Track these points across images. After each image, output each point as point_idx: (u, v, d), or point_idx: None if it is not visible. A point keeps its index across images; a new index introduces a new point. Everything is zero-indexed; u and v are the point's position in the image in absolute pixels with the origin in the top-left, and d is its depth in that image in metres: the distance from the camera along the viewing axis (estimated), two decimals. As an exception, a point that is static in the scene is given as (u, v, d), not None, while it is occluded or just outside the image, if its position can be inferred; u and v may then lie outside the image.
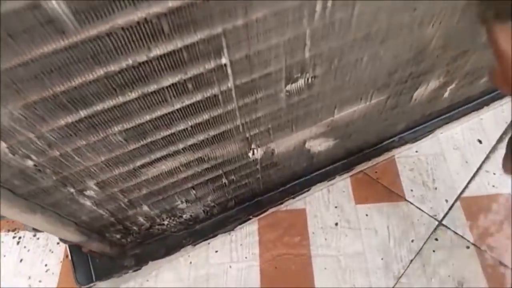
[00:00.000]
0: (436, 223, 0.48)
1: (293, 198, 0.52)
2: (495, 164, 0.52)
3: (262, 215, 0.52)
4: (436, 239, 0.47)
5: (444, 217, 0.48)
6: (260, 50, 0.26)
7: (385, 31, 0.30)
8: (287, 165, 0.47)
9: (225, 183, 0.44)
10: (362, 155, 0.52)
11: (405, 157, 0.54)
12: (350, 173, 0.53)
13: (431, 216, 0.49)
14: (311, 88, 0.33)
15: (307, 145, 0.44)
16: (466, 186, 0.51)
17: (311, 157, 0.48)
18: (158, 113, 0.27)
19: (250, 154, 0.40)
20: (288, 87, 0.31)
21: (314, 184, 0.52)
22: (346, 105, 0.39)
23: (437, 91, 0.46)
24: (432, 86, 0.44)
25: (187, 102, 0.28)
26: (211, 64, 0.25)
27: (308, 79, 0.32)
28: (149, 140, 0.30)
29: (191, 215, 0.48)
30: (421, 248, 0.46)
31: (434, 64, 0.39)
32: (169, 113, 0.28)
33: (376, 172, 0.54)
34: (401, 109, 0.46)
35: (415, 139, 0.54)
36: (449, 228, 0.47)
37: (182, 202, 0.44)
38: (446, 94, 0.48)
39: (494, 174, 0.52)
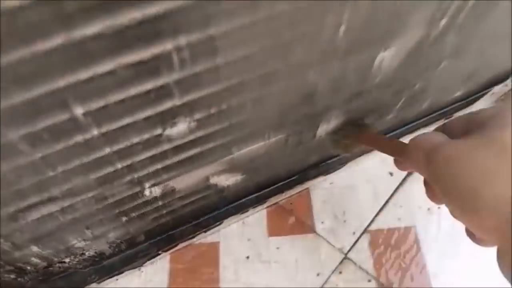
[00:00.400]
0: (342, 256, 0.49)
1: (205, 232, 0.51)
2: (403, 197, 0.54)
3: (174, 250, 0.50)
4: (340, 273, 0.48)
5: (349, 250, 0.49)
6: (120, 99, 0.25)
7: (261, 79, 0.31)
8: (195, 200, 0.46)
9: (125, 220, 0.42)
10: (275, 188, 0.53)
11: (320, 188, 0.56)
12: (264, 206, 0.53)
13: (337, 249, 0.50)
14: (196, 132, 0.33)
15: (212, 181, 0.44)
16: (373, 220, 0.52)
17: (221, 191, 0.47)
18: (13, 164, 0.26)
19: (146, 193, 0.39)
20: (168, 132, 0.31)
21: (228, 217, 0.51)
22: (243, 144, 0.39)
23: (347, 122, 0.47)
24: (334, 123, 0.45)
25: (49, 151, 0.27)
26: (65, 115, 0.24)
27: (189, 123, 0.31)
28: (12, 188, 0.29)
29: (95, 252, 0.46)
30: (325, 282, 0.47)
31: (328, 105, 0.40)
32: (29, 162, 0.27)
33: (291, 203, 0.54)
34: (307, 146, 0.47)
35: (328, 171, 0.55)
36: (353, 262, 0.48)
37: (78, 241, 0.42)
38: (353, 130, 0.50)
39: (401, 207, 0.54)
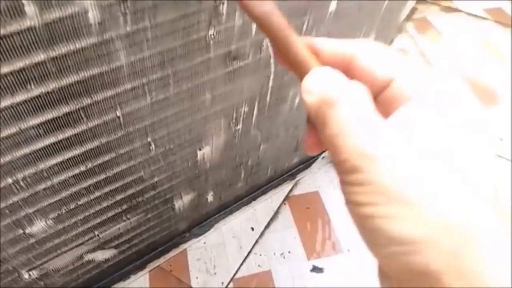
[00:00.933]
0: (209, 305, 0.60)
1: (92, 300, 0.60)
2: (261, 247, 0.68)
3: (65, 321, 0.58)
4: (206, 319, 0.58)
5: (215, 299, 0.61)
6: (-22, 219, 0.36)
7: (106, 180, 0.43)
8: (75, 277, 0.55)
9: (11, 301, 0.50)
10: (154, 254, 0.63)
11: (195, 248, 0.67)
12: (146, 270, 0.63)
13: (206, 299, 0.61)
14: (55, 226, 0.44)
15: (87, 258, 0.53)
16: (238, 269, 0.64)
17: (100, 265, 0.57)
18: None
19: (25, 276, 0.48)
20: (28, 230, 0.41)
21: (113, 285, 0.61)
22: (104, 227, 0.50)
23: (197, 199, 0.60)
24: (187, 198, 0.58)
25: None
26: None
27: (46, 221, 0.42)
28: None
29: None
30: (192, 330, 0.57)
31: (172, 188, 0.53)
32: None
33: (170, 265, 0.65)
34: (169, 218, 0.59)
35: (201, 233, 0.67)
36: (216, 309, 0.60)
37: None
38: (210, 199, 0.63)
39: (260, 255, 0.67)
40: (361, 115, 0.16)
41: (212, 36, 0.35)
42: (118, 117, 0.36)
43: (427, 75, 0.18)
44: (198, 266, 0.65)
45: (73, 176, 0.39)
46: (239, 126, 0.50)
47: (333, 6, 0.43)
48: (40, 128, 0.32)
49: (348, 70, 0.19)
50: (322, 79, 0.18)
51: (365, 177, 0.16)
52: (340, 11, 0.44)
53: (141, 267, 0.63)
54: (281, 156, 0.67)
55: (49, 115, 0.31)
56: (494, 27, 1.15)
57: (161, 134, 0.42)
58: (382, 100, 0.18)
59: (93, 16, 0.27)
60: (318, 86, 0.18)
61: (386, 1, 0.49)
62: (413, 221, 0.14)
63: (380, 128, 0.16)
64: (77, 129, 0.34)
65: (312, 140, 0.20)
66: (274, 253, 0.67)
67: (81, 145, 0.36)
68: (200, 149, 0.49)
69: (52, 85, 0.30)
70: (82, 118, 0.34)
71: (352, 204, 0.16)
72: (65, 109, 0.32)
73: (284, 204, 0.73)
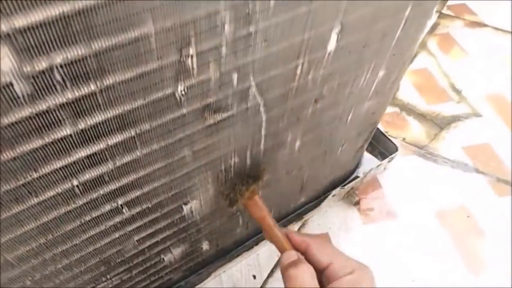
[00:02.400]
0: None
1: None
2: (264, 297, 0.61)
3: None
4: None
5: None
6: None
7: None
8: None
9: None
10: (145, 306, 0.58)
11: (191, 299, 0.61)
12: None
13: None
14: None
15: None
16: (236, 324, 0.58)
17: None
18: None
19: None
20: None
21: None
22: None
23: (190, 249, 0.55)
24: (178, 250, 0.52)
25: None
26: None
27: (9, 294, 0.37)
28: None
29: None
30: None
31: (155, 243, 0.48)
32: None
33: (164, 318, 0.59)
34: (158, 271, 0.53)
35: (198, 282, 0.61)
36: None
37: None
38: (205, 247, 0.57)
39: (262, 307, 0.60)
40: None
41: (183, 92, 0.30)
42: (76, 186, 0.31)
43: (350, 264, 0.35)
44: (193, 319, 0.59)
45: (36, 247, 0.34)
46: (230, 176, 0.45)
47: (332, 45, 0.37)
48: (-24, 209, 0.27)
49: (306, 252, 0.37)
50: (289, 256, 0.36)
51: None
52: (341, 50, 0.38)
53: None
54: (285, 198, 0.61)
55: (-14, 194, 0.27)
56: (524, 42, 1.05)
57: (134, 196, 0.37)
58: (327, 274, 0.35)
59: (19, 88, 0.22)
60: (287, 259, 0.36)
61: (397, 33, 0.42)
62: None
63: None
64: (26, 205, 0.29)
65: None
66: (278, 306, 0.61)
67: (35, 219, 0.31)
68: (186, 204, 0.44)
69: (-17, 164, 0.25)
70: (31, 193, 0.29)
71: None
72: (5, 187, 0.27)
73: (290, 248, 0.67)
